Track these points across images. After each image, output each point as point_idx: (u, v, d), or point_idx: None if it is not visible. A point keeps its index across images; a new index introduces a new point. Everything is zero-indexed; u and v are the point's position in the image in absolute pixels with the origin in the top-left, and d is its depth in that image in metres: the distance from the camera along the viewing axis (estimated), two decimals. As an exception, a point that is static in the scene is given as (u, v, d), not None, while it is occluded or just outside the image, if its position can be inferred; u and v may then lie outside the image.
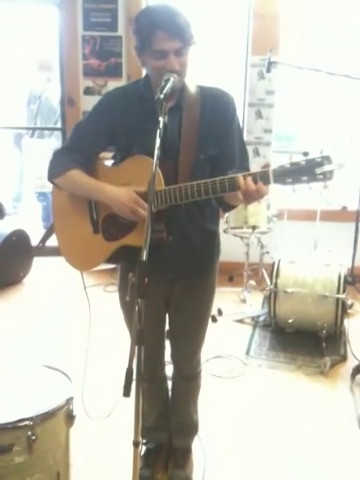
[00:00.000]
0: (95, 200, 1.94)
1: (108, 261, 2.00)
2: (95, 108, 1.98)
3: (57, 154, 2.00)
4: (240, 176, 1.65)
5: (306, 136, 5.48)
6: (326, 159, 1.57)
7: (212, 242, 2.06)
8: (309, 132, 5.53)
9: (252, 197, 1.67)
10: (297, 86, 4.99)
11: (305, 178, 1.59)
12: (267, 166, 1.65)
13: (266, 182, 1.64)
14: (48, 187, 5.92)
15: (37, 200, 6.31)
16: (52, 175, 2.00)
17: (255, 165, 3.97)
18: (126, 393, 1.44)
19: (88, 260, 2.05)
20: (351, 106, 5.01)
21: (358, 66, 4.56)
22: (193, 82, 1.92)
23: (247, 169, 1.84)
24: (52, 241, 2.19)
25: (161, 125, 1.61)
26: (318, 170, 1.57)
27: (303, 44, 4.99)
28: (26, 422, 1.73)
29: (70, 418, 1.92)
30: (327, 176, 1.58)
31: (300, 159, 1.60)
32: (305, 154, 1.59)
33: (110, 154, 2.01)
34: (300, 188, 1.63)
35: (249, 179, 1.64)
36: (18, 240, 4.57)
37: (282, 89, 4.72)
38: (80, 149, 1.94)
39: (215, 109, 1.89)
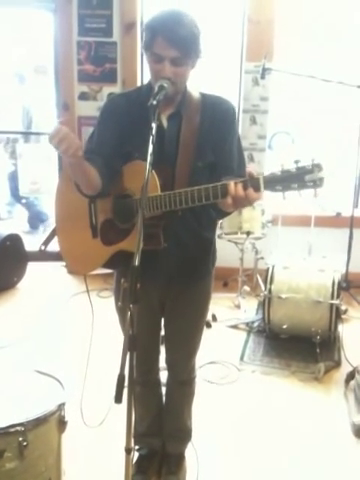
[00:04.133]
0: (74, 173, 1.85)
1: (106, 266, 2.01)
2: (101, 115, 2.00)
3: None
4: (231, 182, 1.65)
5: (303, 137, 5.50)
6: (317, 167, 1.57)
7: (207, 249, 2.06)
8: (306, 133, 5.54)
9: (241, 203, 1.68)
10: (293, 88, 5.00)
11: (295, 185, 1.59)
12: (251, 174, 1.65)
13: (257, 189, 1.64)
14: (42, 192, 5.87)
15: (24, 206, 6.33)
16: None
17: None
18: (118, 399, 1.43)
19: (87, 263, 2.06)
20: (347, 108, 5.03)
21: (356, 67, 4.58)
22: (196, 90, 1.93)
23: (244, 176, 1.85)
24: (50, 246, 2.21)
25: (154, 131, 1.62)
26: (308, 177, 1.57)
27: (298, 49, 5.01)
28: (17, 428, 1.73)
29: (62, 424, 1.92)
30: (317, 183, 1.58)
31: (291, 167, 1.60)
32: (296, 162, 1.60)
33: None
34: (290, 195, 1.63)
35: (240, 186, 1.64)
36: (12, 245, 4.56)
37: (279, 91, 4.74)
38: (98, 151, 1.93)
39: (214, 117, 1.90)
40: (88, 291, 2.11)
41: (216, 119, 1.90)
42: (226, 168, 1.88)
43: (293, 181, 1.59)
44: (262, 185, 1.63)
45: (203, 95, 1.94)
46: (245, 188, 1.64)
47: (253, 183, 1.64)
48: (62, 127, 1.66)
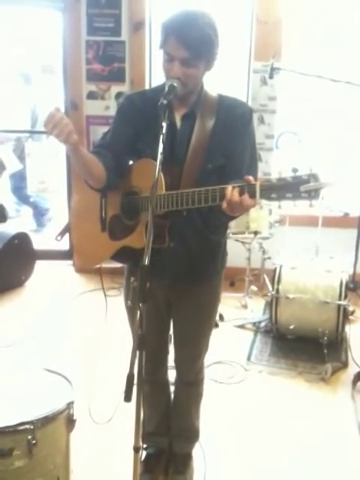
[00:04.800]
0: (77, 162, 1.84)
1: (113, 258, 2.04)
2: (117, 113, 2.02)
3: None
4: (229, 187, 1.64)
5: (311, 137, 5.48)
6: (313, 177, 1.53)
7: (215, 251, 2.05)
8: (313, 133, 5.52)
9: (236, 209, 1.65)
10: (300, 88, 4.98)
11: (289, 195, 1.55)
12: (248, 180, 1.62)
13: (252, 195, 1.60)
14: (50, 191, 5.88)
15: (31, 205, 6.35)
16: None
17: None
18: (127, 398, 1.44)
19: (93, 256, 2.11)
20: (355, 108, 5.01)
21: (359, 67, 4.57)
22: (214, 91, 1.93)
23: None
24: (55, 245, 2.24)
25: (164, 130, 1.62)
26: (303, 188, 1.53)
27: (306, 49, 4.99)
28: (26, 426, 1.73)
29: (70, 422, 1.92)
30: (312, 195, 1.53)
31: (287, 175, 1.56)
32: (294, 170, 1.56)
33: None
34: (285, 204, 1.60)
35: (236, 191, 1.62)
36: (20, 243, 4.57)
37: (287, 90, 4.72)
38: (110, 147, 1.95)
39: (229, 119, 1.89)
40: (104, 288, 2.13)
41: (230, 122, 1.89)
42: (235, 172, 1.84)
43: (288, 190, 1.55)
44: (258, 192, 1.59)
45: (220, 97, 1.93)
46: (241, 193, 1.61)
47: (250, 189, 1.60)
48: (55, 113, 1.64)
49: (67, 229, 2.22)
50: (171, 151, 1.58)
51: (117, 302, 2.16)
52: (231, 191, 1.62)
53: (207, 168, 1.87)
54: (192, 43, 1.70)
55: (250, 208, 1.64)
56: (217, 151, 1.88)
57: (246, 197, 1.60)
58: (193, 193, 1.70)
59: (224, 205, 1.64)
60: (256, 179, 1.63)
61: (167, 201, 1.75)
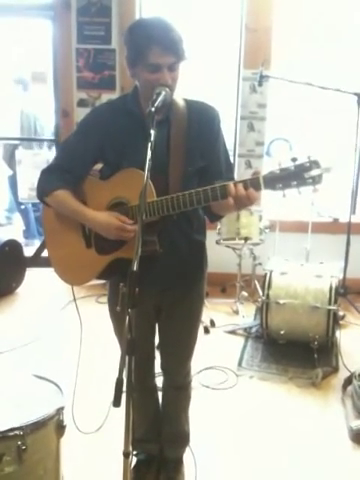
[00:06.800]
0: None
1: (100, 276, 2.02)
2: (81, 125, 1.99)
3: (45, 173, 2.01)
4: (231, 183, 1.68)
5: (301, 143, 5.53)
6: (314, 163, 1.61)
7: (200, 253, 2.09)
8: (304, 140, 5.57)
9: (242, 203, 1.70)
10: (290, 95, 5.03)
11: (295, 183, 1.62)
12: (257, 173, 1.68)
13: (257, 188, 1.67)
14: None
15: (22, 212, 6.32)
16: (41, 194, 2.01)
17: (247, 177, 4.00)
18: (116, 403, 1.44)
19: (81, 275, 2.06)
20: (344, 113, 5.06)
21: (355, 70, 4.61)
22: (180, 96, 1.94)
23: (233, 180, 1.87)
24: (46, 253, 2.20)
25: (152, 138, 1.62)
26: (307, 175, 1.60)
27: (295, 56, 5.05)
28: (16, 432, 1.73)
29: (61, 428, 1.92)
30: (316, 180, 1.61)
31: (289, 165, 1.63)
32: (293, 160, 1.63)
33: (98, 166, 2.03)
34: (290, 193, 1.65)
35: (240, 186, 1.67)
36: (11, 251, 4.56)
37: (277, 97, 4.76)
38: (68, 168, 1.96)
39: (202, 123, 1.92)
40: (75, 300, 2.13)
41: (203, 125, 1.92)
42: (216, 172, 1.91)
43: (292, 179, 1.62)
44: (262, 184, 1.65)
45: (187, 101, 1.95)
46: (246, 188, 1.67)
47: (253, 183, 1.67)
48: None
49: (42, 249, 2.19)
50: (153, 158, 1.59)
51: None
52: (235, 187, 1.67)
53: (188, 171, 1.89)
54: (175, 46, 1.73)
55: (255, 201, 1.70)
56: (195, 154, 1.90)
57: (252, 190, 1.67)
58: (191, 194, 1.72)
59: (230, 201, 1.68)
60: (233, 175, 1.67)
61: (165, 206, 1.76)
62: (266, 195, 4.42)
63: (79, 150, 1.95)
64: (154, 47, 1.72)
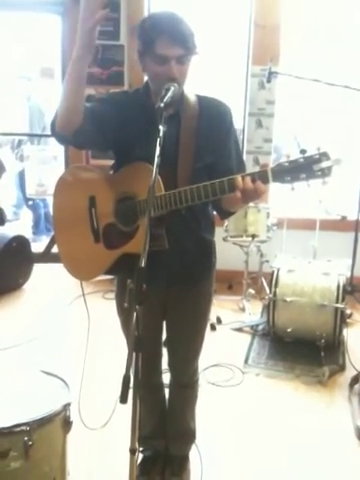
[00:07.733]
0: (78, 75, 1.85)
1: (109, 271, 2.00)
2: (102, 96, 1.97)
3: None
4: (239, 176, 1.66)
5: (307, 137, 5.50)
6: (324, 155, 1.57)
7: (208, 250, 2.07)
8: (312, 136, 5.54)
9: (250, 196, 1.67)
10: (299, 91, 5.01)
11: (304, 175, 1.59)
12: (265, 165, 1.65)
13: (265, 181, 1.64)
14: (48, 194, 5.91)
15: (30, 208, 6.34)
16: (53, 120, 1.82)
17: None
18: (123, 400, 1.43)
19: (90, 270, 2.05)
20: (353, 110, 5.03)
21: (359, 68, 4.59)
22: (192, 91, 1.93)
23: None
24: (54, 248, 2.20)
25: (161, 133, 1.61)
26: (316, 167, 1.57)
27: (304, 53, 5.02)
28: (22, 427, 1.73)
29: (67, 424, 1.92)
30: (325, 172, 1.58)
31: (298, 157, 1.60)
32: (302, 152, 1.60)
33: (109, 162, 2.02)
34: (299, 186, 1.63)
35: (248, 179, 1.65)
36: (18, 246, 4.58)
37: (286, 93, 4.74)
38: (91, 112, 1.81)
39: (212, 119, 1.91)
40: (84, 295, 2.12)
41: (214, 122, 1.91)
42: (226, 169, 1.88)
43: (301, 171, 1.59)
44: (270, 177, 1.63)
45: (199, 97, 1.94)
46: (253, 181, 1.64)
47: (261, 175, 1.65)
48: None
49: (52, 244, 2.18)
50: (161, 154, 1.58)
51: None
52: (243, 180, 1.65)
53: (197, 167, 1.88)
54: (184, 39, 1.72)
55: (263, 194, 1.67)
56: (205, 150, 1.89)
57: (260, 183, 1.64)
58: (198, 188, 1.71)
59: (238, 195, 1.66)
60: (245, 171, 1.64)
61: (173, 199, 1.74)
62: (274, 193, 4.45)
63: (100, 109, 1.85)
64: (163, 37, 1.71)
